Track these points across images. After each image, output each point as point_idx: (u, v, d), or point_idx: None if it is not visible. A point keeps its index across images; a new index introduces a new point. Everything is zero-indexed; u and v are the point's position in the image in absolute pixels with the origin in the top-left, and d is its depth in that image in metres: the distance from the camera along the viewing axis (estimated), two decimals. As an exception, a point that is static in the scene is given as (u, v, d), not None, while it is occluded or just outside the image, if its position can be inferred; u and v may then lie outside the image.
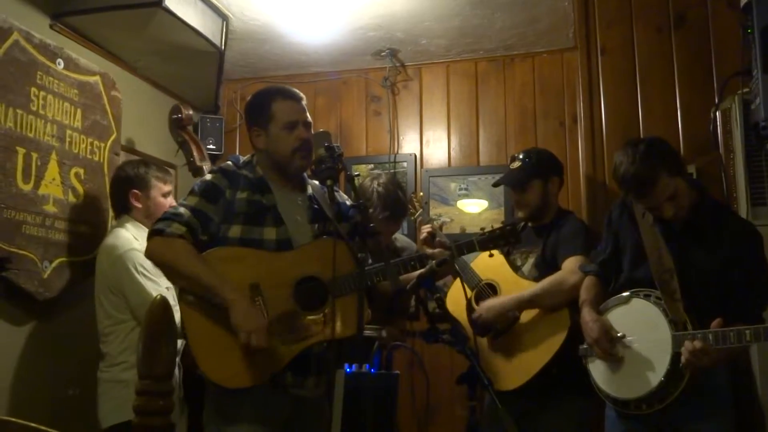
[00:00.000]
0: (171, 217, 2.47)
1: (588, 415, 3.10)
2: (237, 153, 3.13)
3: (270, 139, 2.65)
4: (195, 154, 3.84)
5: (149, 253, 2.50)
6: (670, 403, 2.54)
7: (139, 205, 3.33)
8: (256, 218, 2.55)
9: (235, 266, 2.45)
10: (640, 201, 2.72)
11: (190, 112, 3.65)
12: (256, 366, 2.37)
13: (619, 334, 2.70)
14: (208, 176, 2.62)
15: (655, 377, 2.55)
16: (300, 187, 2.72)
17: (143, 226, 3.25)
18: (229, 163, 2.67)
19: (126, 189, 3.34)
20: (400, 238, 3.78)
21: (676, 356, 2.52)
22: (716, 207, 2.79)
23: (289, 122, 2.63)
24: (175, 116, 3.68)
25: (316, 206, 2.66)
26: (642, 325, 2.67)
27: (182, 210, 2.48)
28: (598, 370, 2.78)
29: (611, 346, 2.69)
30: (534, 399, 3.04)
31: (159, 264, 2.54)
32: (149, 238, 2.48)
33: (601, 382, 2.76)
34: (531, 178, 3.31)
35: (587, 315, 2.80)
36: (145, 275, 3.11)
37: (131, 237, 3.23)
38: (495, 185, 3.59)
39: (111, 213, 3.62)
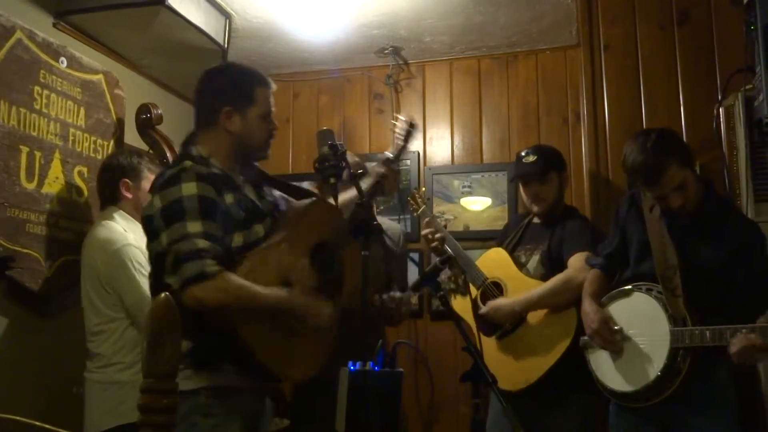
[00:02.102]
0: (196, 255, 2.15)
1: (593, 412, 3.11)
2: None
3: (246, 124, 2.43)
4: (168, 154, 3.58)
5: (200, 304, 2.13)
6: (667, 398, 2.56)
7: (129, 196, 3.19)
8: (246, 220, 2.36)
9: (263, 275, 2.29)
10: (649, 189, 2.72)
11: (159, 111, 3.58)
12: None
13: (617, 327, 2.73)
14: (193, 190, 2.22)
15: (652, 371, 2.58)
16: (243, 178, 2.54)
17: (132, 218, 3.15)
18: (190, 163, 2.31)
19: (117, 178, 3.21)
20: (385, 221, 3.67)
21: (673, 351, 2.54)
22: (722, 204, 2.80)
23: (267, 112, 2.50)
24: (144, 116, 3.54)
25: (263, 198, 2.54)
26: (642, 318, 2.69)
27: (200, 243, 2.17)
28: (597, 361, 2.81)
29: (611, 337, 2.71)
30: (539, 397, 3.05)
31: (217, 309, 2.17)
32: (186, 286, 2.13)
33: (600, 374, 2.79)
34: (549, 170, 3.32)
35: (588, 306, 2.83)
36: (141, 272, 2.97)
37: (123, 230, 3.10)
38: (513, 180, 3.59)
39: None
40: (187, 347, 2.16)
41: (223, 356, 2.25)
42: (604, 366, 2.77)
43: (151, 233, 2.27)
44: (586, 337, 2.85)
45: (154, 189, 2.31)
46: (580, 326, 2.96)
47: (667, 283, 2.62)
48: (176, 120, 4.08)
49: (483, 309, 3.19)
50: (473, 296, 3.24)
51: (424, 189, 3.94)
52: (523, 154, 3.43)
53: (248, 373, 2.28)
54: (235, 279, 2.19)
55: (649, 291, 2.71)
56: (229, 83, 2.46)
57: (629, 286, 2.79)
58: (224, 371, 2.24)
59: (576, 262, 3.11)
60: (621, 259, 2.92)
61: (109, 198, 3.25)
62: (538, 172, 3.33)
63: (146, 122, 3.64)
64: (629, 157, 2.69)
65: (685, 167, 2.66)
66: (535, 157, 3.35)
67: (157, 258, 2.26)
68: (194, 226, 2.18)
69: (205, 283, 2.13)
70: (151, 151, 3.65)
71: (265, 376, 2.32)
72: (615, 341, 2.72)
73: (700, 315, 2.55)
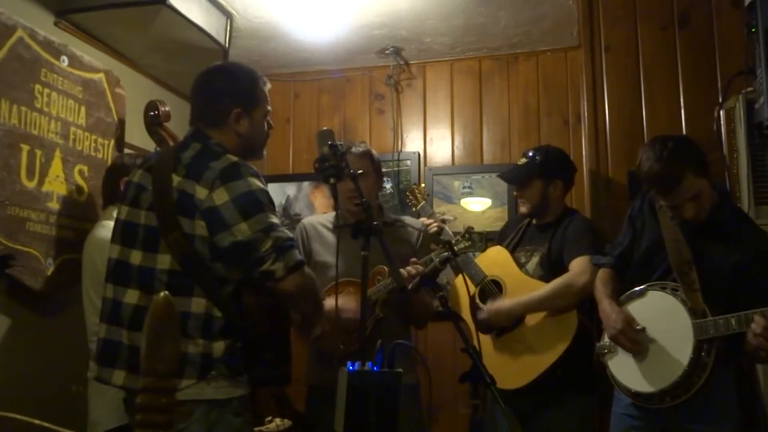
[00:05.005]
0: (293, 243, 2.22)
1: (591, 413, 3.11)
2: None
3: (253, 126, 2.42)
4: None
5: (299, 289, 2.21)
6: (694, 394, 2.53)
7: None
8: None
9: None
10: (663, 198, 2.70)
11: (167, 108, 3.59)
12: None
13: (639, 327, 2.68)
14: (258, 184, 2.23)
15: (679, 367, 2.54)
16: None
17: None
18: (234, 157, 2.26)
19: (117, 177, 3.24)
20: (408, 219, 3.55)
21: (698, 344, 2.51)
22: (735, 213, 2.79)
23: (269, 112, 2.50)
24: (152, 113, 3.43)
25: None
26: (661, 316, 2.66)
27: (288, 232, 2.23)
28: (618, 365, 2.76)
29: (637, 336, 2.67)
30: (537, 397, 3.04)
31: (306, 298, 2.30)
32: (291, 272, 2.17)
33: (622, 378, 2.74)
34: (532, 178, 3.31)
35: (608, 307, 2.78)
36: None
37: None
38: (497, 176, 3.62)
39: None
40: (220, 352, 2.17)
41: (260, 356, 2.28)
42: (626, 369, 2.71)
43: (218, 224, 2.14)
44: (603, 342, 2.82)
45: (194, 177, 2.18)
46: (580, 328, 2.96)
47: (683, 278, 2.60)
48: (177, 119, 4.08)
49: (482, 313, 3.17)
50: (471, 293, 3.23)
51: (423, 185, 3.93)
52: (524, 151, 3.47)
53: (270, 374, 2.34)
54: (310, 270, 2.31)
55: (663, 288, 2.69)
56: (237, 85, 2.43)
57: (643, 286, 2.76)
58: (245, 381, 2.27)
59: (577, 266, 3.09)
60: (633, 259, 2.90)
61: (111, 197, 3.28)
62: (516, 177, 3.39)
63: (154, 119, 3.63)
64: (644, 164, 2.66)
65: (701, 177, 2.63)
66: (525, 162, 3.37)
67: (231, 249, 2.15)
68: (274, 218, 2.21)
69: (303, 270, 2.21)
70: (158, 149, 3.65)
71: (283, 375, 2.38)
72: (640, 341, 2.67)
73: (718, 309, 2.53)
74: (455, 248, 2.84)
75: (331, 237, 3.25)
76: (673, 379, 2.54)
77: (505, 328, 3.18)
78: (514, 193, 3.46)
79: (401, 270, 2.93)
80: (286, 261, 2.16)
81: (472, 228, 3.05)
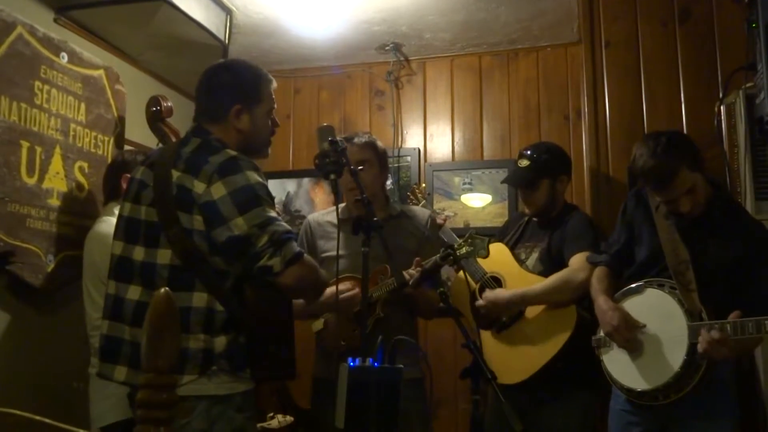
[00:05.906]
0: (291, 236, 2.19)
1: (592, 408, 3.10)
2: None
3: (254, 122, 2.40)
4: None
5: (299, 282, 2.17)
6: (685, 395, 2.53)
7: None
8: None
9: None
10: (658, 193, 2.71)
11: (170, 103, 3.57)
12: None
13: (641, 325, 2.68)
14: (256, 177, 2.21)
15: (672, 368, 2.54)
16: None
17: None
18: (233, 152, 2.24)
19: (118, 173, 3.25)
20: (413, 208, 3.53)
21: (692, 346, 2.51)
22: (730, 204, 2.79)
23: (272, 109, 2.48)
24: (154, 108, 3.37)
25: None
26: (657, 315, 2.65)
27: (285, 225, 2.21)
28: (612, 360, 2.76)
29: (631, 334, 2.67)
30: (538, 392, 3.04)
31: (307, 289, 2.30)
32: (289, 265, 2.13)
33: (616, 373, 2.74)
34: (540, 178, 3.27)
35: (604, 304, 2.77)
36: None
37: None
38: (503, 183, 3.59)
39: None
40: (222, 347, 2.16)
41: (263, 351, 2.26)
42: (620, 365, 2.72)
43: (216, 219, 2.13)
44: (599, 336, 2.82)
45: (193, 172, 2.18)
46: (579, 323, 2.95)
47: (680, 278, 2.60)
48: (176, 115, 4.08)
49: (480, 301, 3.17)
50: (472, 290, 3.23)
51: (424, 185, 3.93)
52: (519, 156, 3.41)
53: (273, 370, 2.34)
54: (311, 259, 2.29)
55: (661, 286, 2.68)
56: (238, 81, 2.41)
57: (641, 283, 2.75)
58: (248, 376, 2.26)
59: (577, 261, 3.08)
60: (629, 257, 2.89)
61: (112, 193, 3.29)
62: (524, 180, 3.32)
63: (156, 115, 3.61)
64: (639, 160, 2.66)
65: (695, 171, 2.63)
66: (528, 163, 3.32)
67: (228, 243, 2.13)
68: (271, 212, 2.18)
69: (302, 262, 2.16)
70: (160, 144, 3.64)
71: (286, 371, 2.38)
72: (635, 339, 2.67)
73: (715, 309, 2.52)
74: (457, 253, 2.82)
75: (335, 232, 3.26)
76: (666, 379, 2.55)
77: (505, 323, 3.18)
78: (521, 195, 3.40)
79: (404, 272, 2.92)
80: (284, 254, 2.13)
81: (475, 232, 3.02)
